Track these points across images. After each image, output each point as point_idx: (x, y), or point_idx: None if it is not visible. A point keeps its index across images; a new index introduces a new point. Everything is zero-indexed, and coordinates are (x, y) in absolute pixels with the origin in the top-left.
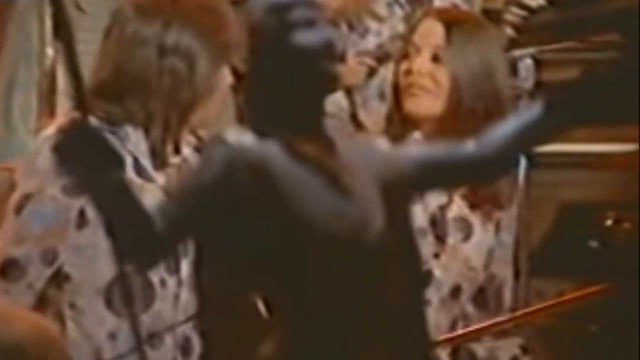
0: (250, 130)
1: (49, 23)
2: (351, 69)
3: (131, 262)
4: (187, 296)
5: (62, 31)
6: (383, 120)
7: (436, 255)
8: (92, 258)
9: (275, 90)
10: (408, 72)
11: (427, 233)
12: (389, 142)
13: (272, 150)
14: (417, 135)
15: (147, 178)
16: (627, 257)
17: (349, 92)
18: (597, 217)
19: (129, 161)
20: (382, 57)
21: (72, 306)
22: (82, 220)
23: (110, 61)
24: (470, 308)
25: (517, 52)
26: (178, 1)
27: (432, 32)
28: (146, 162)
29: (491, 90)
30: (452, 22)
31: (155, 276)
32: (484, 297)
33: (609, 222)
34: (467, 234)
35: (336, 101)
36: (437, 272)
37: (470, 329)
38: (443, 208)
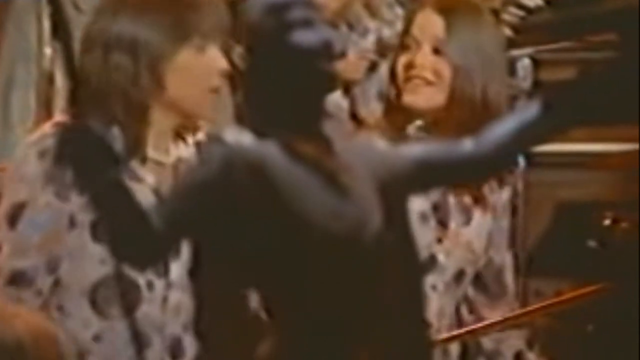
0: (249, 130)
1: (47, 23)
2: (352, 64)
3: (129, 262)
4: (176, 298)
5: (60, 31)
6: (383, 117)
7: (439, 240)
8: (79, 260)
9: (273, 90)
10: (409, 65)
11: (430, 218)
12: (386, 141)
13: (270, 150)
14: (418, 122)
15: (136, 178)
16: (625, 256)
17: (348, 90)
18: (595, 216)
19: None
20: (382, 52)
21: (60, 308)
22: (70, 222)
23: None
24: (472, 291)
25: (515, 52)
26: None
27: (430, 23)
28: (134, 163)
29: (490, 79)
30: (449, 11)
31: (141, 278)
32: (485, 280)
33: (607, 222)
34: (467, 218)
35: (335, 101)
36: (441, 257)
37: (467, 328)
38: (444, 193)
